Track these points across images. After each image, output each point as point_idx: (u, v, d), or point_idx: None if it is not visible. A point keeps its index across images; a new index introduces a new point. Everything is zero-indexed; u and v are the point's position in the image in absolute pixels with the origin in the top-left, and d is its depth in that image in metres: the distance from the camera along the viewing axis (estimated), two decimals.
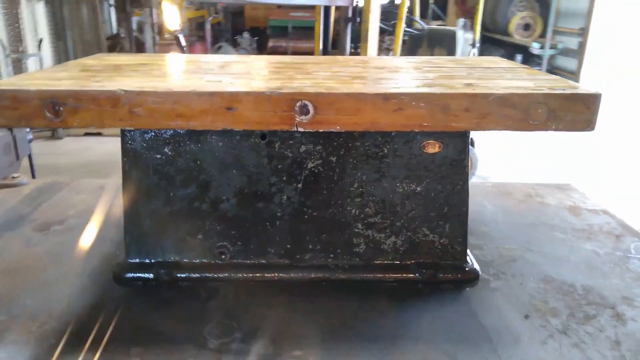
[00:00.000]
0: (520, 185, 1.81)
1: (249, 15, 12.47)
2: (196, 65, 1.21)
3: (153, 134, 1.06)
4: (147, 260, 1.15)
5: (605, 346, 0.95)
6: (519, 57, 7.06)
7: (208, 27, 10.25)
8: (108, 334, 0.97)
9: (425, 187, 1.12)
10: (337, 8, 3.49)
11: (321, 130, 0.95)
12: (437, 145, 1.08)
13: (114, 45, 6.43)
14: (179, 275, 1.13)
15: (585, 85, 1.00)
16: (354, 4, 3.27)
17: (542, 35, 6.98)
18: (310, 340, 0.96)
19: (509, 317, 1.04)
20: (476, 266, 1.18)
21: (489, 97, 0.89)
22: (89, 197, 1.61)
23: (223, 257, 1.16)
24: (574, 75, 6.36)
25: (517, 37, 7.07)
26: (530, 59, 6.89)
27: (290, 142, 1.08)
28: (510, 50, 7.23)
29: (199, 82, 0.99)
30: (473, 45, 4.58)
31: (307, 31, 11.29)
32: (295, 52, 10.94)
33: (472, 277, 1.16)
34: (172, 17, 4.00)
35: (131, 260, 1.15)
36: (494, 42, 7.48)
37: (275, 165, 1.10)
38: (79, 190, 1.67)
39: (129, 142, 1.07)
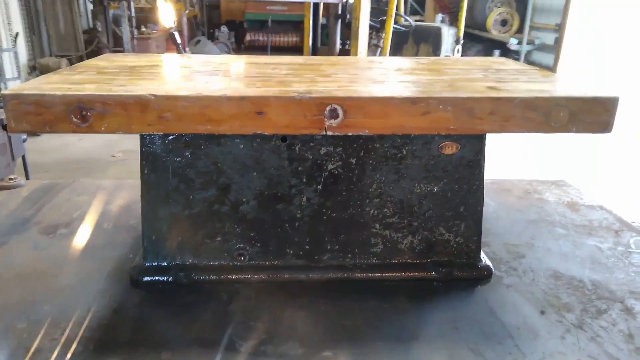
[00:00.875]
0: (517, 181, 1.85)
1: (225, 8, 12.31)
2: (212, 67, 1.20)
3: (173, 136, 1.05)
4: (165, 264, 1.14)
5: (620, 340, 0.99)
6: (497, 52, 7.19)
7: (184, 20, 10.11)
8: (135, 339, 0.96)
9: (442, 187, 1.14)
10: (325, 5, 3.49)
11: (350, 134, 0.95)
12: (454, 147, 1.11)
13: (91, 39, 6.27)
14: (197, 277, 1.13)
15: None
16: (344, 1, 3.28)
17: (519, 30, 7.13)
18: (337, 341, 0.97)
19: (525, 313, 1.07)
20: (489, 263, 1.21)
21: (513, 101, 0.92)
22: (91, 199, 1.59)
23: (242, 258, 1.16)
24: (550, 70, 6.49)
25: (495, 33, 7.20)
26: (508, 55, 7.02)
27: (311, 144, 1.09)
28: (488, 45, 7.36)
29: (225, 85, 0.99)
30: (457, 41, 4.64)
31: (285, 25, 11.26)
32: (275, 47, 10.90)
33: (486, 275, 1.19)
34: (167, 15, 3.91)
35: (149, 264, 1.14)
36: (473, 37, 7.58)
37: (296, 167, 1.10)
38: (80, 192, 1.64)
39: (148, 145, 1.06)
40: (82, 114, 0.87)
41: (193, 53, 9.20)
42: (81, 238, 1.34)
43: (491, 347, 0.96)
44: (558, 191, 1.76)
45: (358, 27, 3.14)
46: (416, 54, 4.49)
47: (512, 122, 0.93)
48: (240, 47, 11.32)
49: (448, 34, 4.54)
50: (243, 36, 11.31)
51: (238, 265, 1.16)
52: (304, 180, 1.11)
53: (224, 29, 10.61)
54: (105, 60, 1.24)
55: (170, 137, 1.05)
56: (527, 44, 6.80)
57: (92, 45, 6.17)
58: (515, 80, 1.10)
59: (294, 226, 1.15)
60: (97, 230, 1.39)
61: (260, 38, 11.44)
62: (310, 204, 1.13)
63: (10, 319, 1.01)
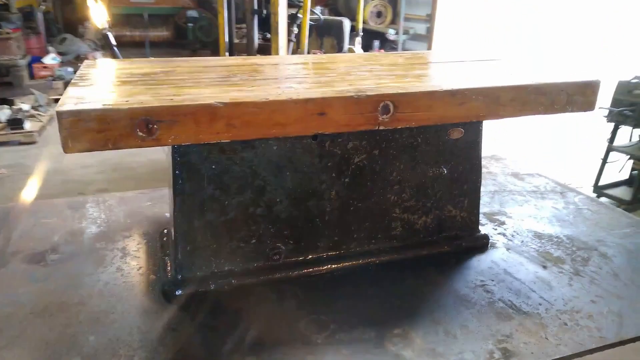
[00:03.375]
0: None
1: (81, 2, 11.30)
2: (229, 72, 1.18)
3: (209, 144, 1.03)
4: (202, 273, 1.12)
5: (611, 279, 1.21)
6: (376, 42, 7.65)
7: (40, 17, 9.12)
8: (216, 351, 0.94)
9: (451, 169, 1.26)
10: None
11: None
12: (460, 131, 1.24)
13: None
14: (237, 282, 1.13)
15: None
16: None
17: (393, 21, 7.66)
18: (398, 319, 1.05)
19: (532, 269, 1.25)
20: (486, 232, 1.38)
21: (528, 88, 1.07)
22: (61, 220, 1.45)
23: (277, 257, 1.18)
24: None
25: (372, 24, 7.64)
26: (386, 44, 7.52)
27: (339, 139, 1.14)
28: (367, 36, 7.76)
29: (272, 88, 1.00)
30: (357, 34, 4.88)
31: (153, 19, 10.72)
32: (151, 42, 10.32)
33: (485, 242, 1.35)
34: (99, 14, 3.46)
35: (184, 276, 1.11)
36: (352, 28, 7.92)
37: (326, 163, 1.15)
38: (45, 214, 1.49)
39: (182, 155, 1.03)
40: (148, 127, 0.83)
41: (60, 52, 8.37)
42: (80, 261, 1.24)
43: (524, 302, 1.11)
44: (499, 164, 2.01)
45: (277, 22, 3.16)
46: (320, 47, 4.64)
47: (527, 107, 1.08)
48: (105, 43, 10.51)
49: (349, 27, 4.77)
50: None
51: (274, 264, 1.17)
52: (333, 174, 1.16)
53: (88, 25, 9.75)
54: (101, 67, 1.16)
55: (206, 144, 1.03)
56: (403, 34, 7.35)
57: None
58: (498, 67, 1.26)
59: (324, 220, 1.19)
60: (92, 250, 1.29)
61: (128, 33, 10.80)
62: (339, 197, 1.18)
63: (58, 358, 0.92)
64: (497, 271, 1.23)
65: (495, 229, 1.45)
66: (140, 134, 0.83)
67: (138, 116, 0.82)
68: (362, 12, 4.83)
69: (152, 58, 1.32)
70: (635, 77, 3.56)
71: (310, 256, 1.20)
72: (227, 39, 3.48)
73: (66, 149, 0.80)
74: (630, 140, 3.85)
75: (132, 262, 1.24)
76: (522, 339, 0.99)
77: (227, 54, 3.52)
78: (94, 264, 1.23)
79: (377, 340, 0.98)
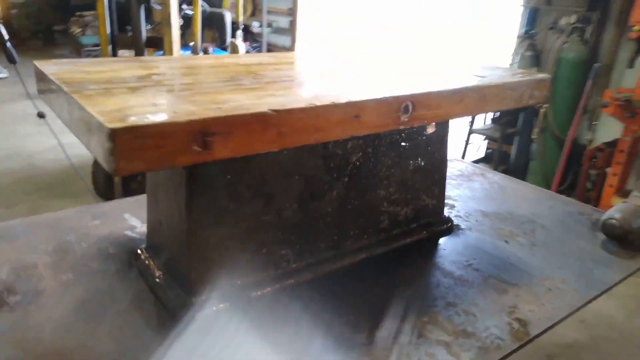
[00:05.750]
0: None
1: None
2: (223, 73, 1.09)
3: None
4: (217, 291, 1.05)
5: (559, 245, 1.42)
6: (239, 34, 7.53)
7: None
8: None
9: (426, 161, 1.36)
10: None
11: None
12: (433, 126, 1.33)
13: None
14: (252, 295, 1.08)
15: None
16: None
17: (253, 14, 7.63)
18: (420, 307, 1.11)
19: (499, 245, 1.40)
20: (449, 215, 1.50)
21: (505, 85, 1.20)
22: None
23: (285, 264, 1.15)
24: (288, 50, 7.23)
25: (234, 16, 7.49)
26: (249, 37, 7.46)
27: (340, 140, 1.15)
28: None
29: (304, 92, 0.97)
30: (237, 27, 4.75)
31: None
32: None
33: (452, 225, 1.48)
34: None
35: (199, 297, 1.03)
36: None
37: (328, 164, 1.15)
38: None
39: (196, 166, 0.95)
40: (204, 141, 0.76)
41: None
42: (54, 300, 1.06)
43: (509, 274, 1.25)
44: None
45: (169, 13, 2.90)
46: (202, 40, 4.40)
47: (503, 102, 1.21)
48: None
49: (230, 20, 4.62)
50: None
51: (284, 271, 1.14)
52: (335, 175, 1.17)
53: None
54: (74, 71, 1.00)
55: None
56: (267, 27, 7.36)
57: None
58: (460, 65, 1.39)
59: (326, 221, 1.19)
60: (61, 285, 1.11)
61: None
62: (338, 197, 1.20)
63: None
64: (474, 250, 1.36)
65: (451, 212, 1.59)
66: (197, 148, 0.75)
67: (196, 129, 0.74)
68: (241, 3, 4.73)
69: (109, 58, 1.17)
70: None
71: (313, 258, 1.20)
72: (108, 31, 3.11)
73: (118, 171, 0.69)
74: (484, 123, 4.43)
75: (119, 291, 1.11)
76: (526, 307, 1.12)
77: (109, 47, 3.15)
78: (72, 301, 1.06)
79: (415, 331, 1.03)
